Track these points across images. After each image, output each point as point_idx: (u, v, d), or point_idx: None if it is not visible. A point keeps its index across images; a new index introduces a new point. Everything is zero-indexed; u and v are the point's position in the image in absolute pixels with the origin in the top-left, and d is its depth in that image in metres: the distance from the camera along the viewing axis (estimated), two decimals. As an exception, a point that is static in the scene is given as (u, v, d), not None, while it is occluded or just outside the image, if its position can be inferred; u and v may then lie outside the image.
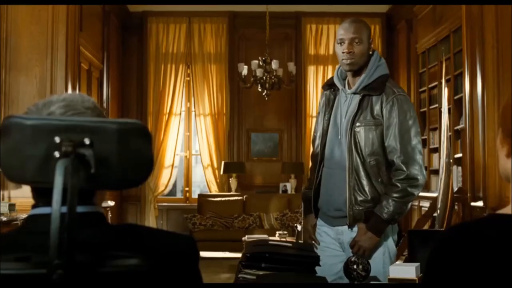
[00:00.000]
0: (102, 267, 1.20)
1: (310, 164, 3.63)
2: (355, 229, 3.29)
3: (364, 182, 3.25)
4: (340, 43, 3.29)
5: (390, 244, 3.34)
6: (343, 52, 3.26)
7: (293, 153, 11.27)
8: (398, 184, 3.20)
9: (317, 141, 3.51)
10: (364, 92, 3.28)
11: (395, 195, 3.19)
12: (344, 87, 3.39)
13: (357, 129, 3.26)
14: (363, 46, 3.27)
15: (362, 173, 3.25)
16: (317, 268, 2.96)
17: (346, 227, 3.32)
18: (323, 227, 3.46)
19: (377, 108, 3.25)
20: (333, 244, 3.41)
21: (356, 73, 3.33)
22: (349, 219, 3.28)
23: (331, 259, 3.35)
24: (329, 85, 3.49)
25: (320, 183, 3.44)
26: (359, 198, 3.26)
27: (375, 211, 3.22)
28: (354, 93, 3.32)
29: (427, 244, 3.51)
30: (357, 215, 3.26)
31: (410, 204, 3.28)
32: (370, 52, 3.33)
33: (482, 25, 7.12)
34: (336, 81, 3.42)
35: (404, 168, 3.20)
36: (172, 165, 10.96)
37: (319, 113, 3.55)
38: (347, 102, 3.35)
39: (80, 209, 1.20)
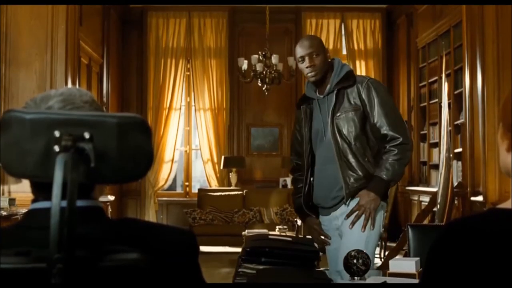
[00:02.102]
0: (101, 261, 1.20)
1: (292, 176, 3.92)
2: (351, 203, 3.52)
3: (354, 163, 3.50)
4: (302, 61, 3.61)
5: (379, 214, 3.55)
6: (307, 67, 3.58)
7: (293, 147, 11.25)
8: (395, 148, 3.48)
9: (300, 152, 3.75)
10: (338, 87, 3.57)
11: (393, 157, 3.46)
12: (317, 95, 3.68)
13: (337, 119, 3.54)
14: (321, 56, 3.58)
15: (350, 155, 3.51)
16: (328, 260, 3.18)
17: (339, 210, 3.56)
18: (324, 222, 3.67)
19: (353, 95, 3.55)
20: (335, 234, 3.61)
21: (323, 80, 3.63)
22: (346, 197, 3.52)
23: (338, 252, 3.50)
24: (303, 100, 3.79)
25: (310, 187, 3.69)
26: (352, 177, 3.50)
27: (375, 173, 3.48)
28: (330, 92, 3.60)
29: (427, 238, 3.50)
30: (353, 192, 3.51)
31: (404, 168, 3.55)
32: (330, 60, 3.66)
33: (482, 20, 7.12)
34: (308, 94, 3.73)
35: (398, 135, 3.49)
36: (172, 160, 10.96)
37: (295, 129, 3.84)
38: (325, 104, 3.63)
39: (79, 203, 1.20)
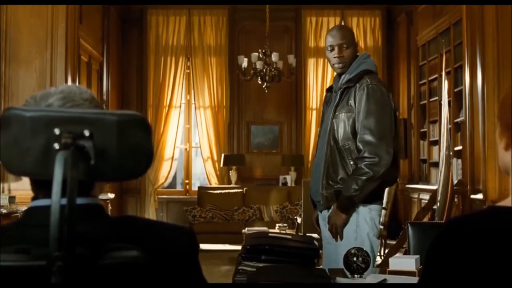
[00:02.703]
0: (101, 259, 1.20)
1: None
2: (330, 213, 3.54)
3: (338, 165, 3.50)
4: (331, 50, 3.61)
5: (361, 221, 3.50)
6: (334, 57, 3.60)
7: (293, 145, 11.28)
8: (359, 164, 3.41)
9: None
10: (344, 86, 3.59)
11: (356, 174, 3.40)
12: (337, 86, 3.70)
13: (335, 118, 3.55)
14: (351, 49, 3.60)
15: (336, 157, 3.51)
16: (324, 254, 3.17)
17: (327, 212, 3.58)
18: (319, 216, 3.73)
19: (352, 97, 3.53)
20: (325, 231, 3.64)
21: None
22: (322, 200, 3.56)
23: (328, 246, 3.61)
24: (329, 88, 3.82)
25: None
26: (330, 180, 3.52)
27: (341, 190, 3.45)
28: (339, 88, 3.62)
29: (426, 236, 3.50)
30: (328, 196, 3.53)
31: (376, 182, 3.42)
32: (358, 54, 3.66)
33: (482, 18, 7.11)
34: (333, 83, 3.76)
35: (364, 149, 3.41)
36: (172, 158, 10.96)
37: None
38: (334, 98, 3.67)
39: (79, 201, 1.20)
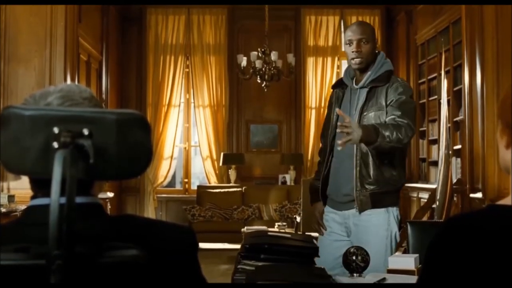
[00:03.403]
0: (101, 258, 1.20)
1: (319, 158, 3.87)
2: (365, 213, 3.51)
3: (371, 166, 3.46)
4: (349, 44, 3.58)
5: (392, 220, 3.54)
6: (352, 52, 3.55)
7: (292, 144, 11.28)
8: (401, 123, 3.32)
9: (326, 134, 3.74)
10: (371, 85, 3.54)
11: (396, 129, 3.27)
12: (353, 84, 3.66)
13: (365, 118, 3.49)
14: (370, 45, 3.56)
15: (369, 158, 3.46)
16: (320, 249, 3.08)
17: (353, 210, 3.54)
18: (330, 213, 3.69)
19: (383, 96, 3.49)
20: (339, 229, 3.63)
21: (363, 70, 3.60)
22: (357, 203, 3.50)
23: (336, 243, 3.59)
24: (339, 84, 3.79)
25: (329, 172, 3.67)
26: (365, 182, 3.48)
27: (375, 124, 3.31)
28: (362, 87, 3.58)
29: (426, 235, 3.50)
30: (363, 199, 3.49)
31: (398, 146, 3.32)
32: (377, 51, 3.63)
33: (481, 17, 7.11)
34: (345, 79, 3.70)
35: (405, 119, 3.36)
36: (171, 157, 10.96)
37: (328, 110, 3.83)
38: (356, 96, 3.61)
39: (78, 199, 1.20)
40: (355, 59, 3.55)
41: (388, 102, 3.47)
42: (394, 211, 3.55)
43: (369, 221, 3.52)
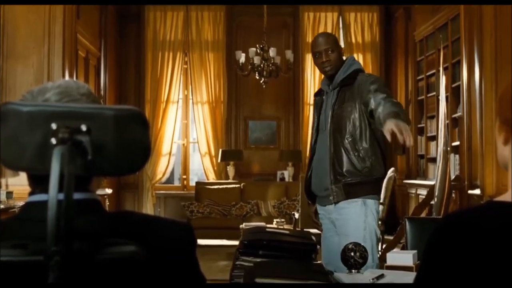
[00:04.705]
0: (99, 254, 1.20)
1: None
2: (342, 206, 3.65)
3: (344, 158, 3.63)
4: (318, 56, 3.80)
5: (369, 213, 3.64)
6: (322, 62, 3.78)
7: (290, 141, 11.27)
8: (388, 99, 3.38)
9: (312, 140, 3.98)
10: (341, 84, 3.74)
11: (392, 104, 3.31)
12: (329, 88, 3.87)
13: (336, 114, 3.70)
14: (336, 53, 3.78)
15: (341, 150, 3.64)
16: (322, 246, 3.29)
17: (332, 206, 3.70)
18: (320, 211, 3.86)
19: (353, 91, 3.67)
20: (329, 224, 3.79)
21: (335, 75, 3.81)
22: (332, 195, 3.68)
23: (333, 238, 3.73)
24: (318, 92, 4.03)
25: (312, 172, 3.87)
26: (338, 175, 3.64)
27: (390, 116, 3.21)
28: (334, 88, 3.79)
29: (424, 231, 3.51)
30: (338, 191, 3.65)
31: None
32: (344, 57, 3.87)
33: (480, 13, 7.11)
34: (322, 86, 3.94)
35: (385, 93, 3.45)
36: (170, 153, 10.95)
37: (313, 116, 4.09)
38: (330, 98, 3.81)
39: (76, 196, 1.20)
40: (325, 68, 3.77)
41: (366, 93, 3.55)
42: (372, 204, 3.65)
43: (347, 214, 3.65)
